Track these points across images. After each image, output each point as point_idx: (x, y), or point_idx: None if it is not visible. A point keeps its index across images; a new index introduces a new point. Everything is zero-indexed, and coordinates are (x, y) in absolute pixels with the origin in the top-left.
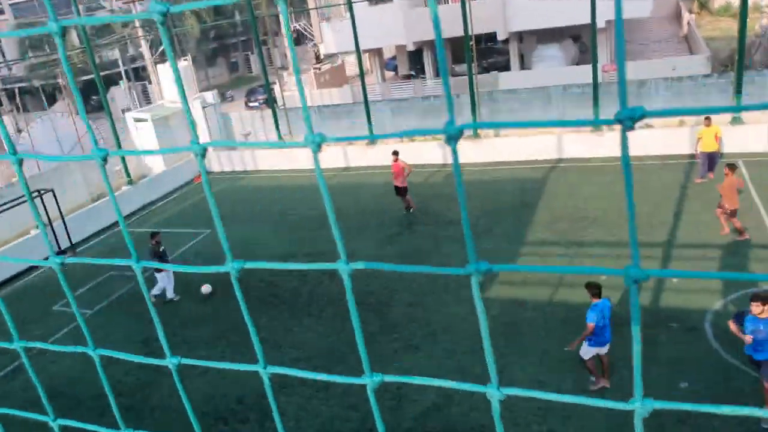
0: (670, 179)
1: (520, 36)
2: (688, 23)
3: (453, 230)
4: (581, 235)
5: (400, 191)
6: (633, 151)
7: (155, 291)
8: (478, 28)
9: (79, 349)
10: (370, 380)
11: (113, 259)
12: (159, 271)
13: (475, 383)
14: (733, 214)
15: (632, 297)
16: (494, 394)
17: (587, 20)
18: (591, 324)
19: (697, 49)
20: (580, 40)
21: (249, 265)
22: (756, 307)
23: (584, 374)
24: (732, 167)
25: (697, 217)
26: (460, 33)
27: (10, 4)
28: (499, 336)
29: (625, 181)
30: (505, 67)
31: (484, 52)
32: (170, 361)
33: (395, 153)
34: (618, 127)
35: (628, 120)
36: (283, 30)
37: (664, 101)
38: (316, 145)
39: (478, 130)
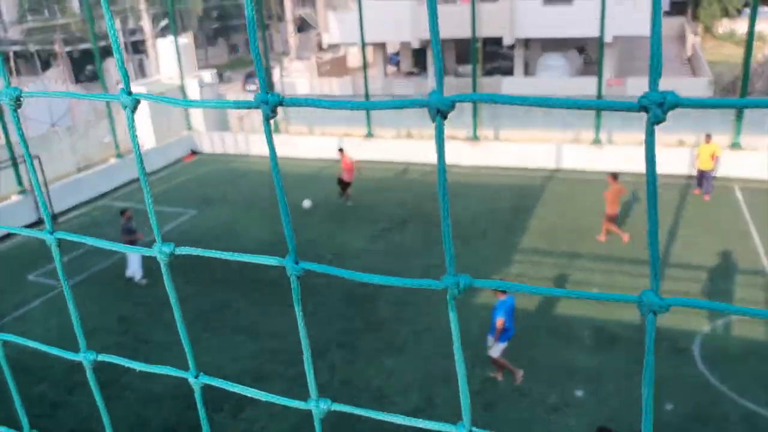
0: (666, 198)
1: (526, 43)
2: (693, 46)
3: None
4: (574, 246)
5: (345, 184)
6: (632, 168)
7: (129, 273)
8: (485, 31)
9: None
10: (315, 407)
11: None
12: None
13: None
14: (611, 219)
15: (648, 328)
16: None
17: (594, 33)
18: (501, 318)
19: (700, 72)
20: (585, 52)
21: (180, 251)
22: None
23: (571, 385)
24: (614, 175)
25: (691, 239)
26: (467, 35)
27: None
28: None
29: (648, 188)
30: (509, 72)
31: (489, 56)
32: (84, 357)
33: (341, 150)
34: (619, 141)
35: (656, 106)
36: (287, 16)
37: (667, 119)
38: (269, 107)
39: (478, 133)
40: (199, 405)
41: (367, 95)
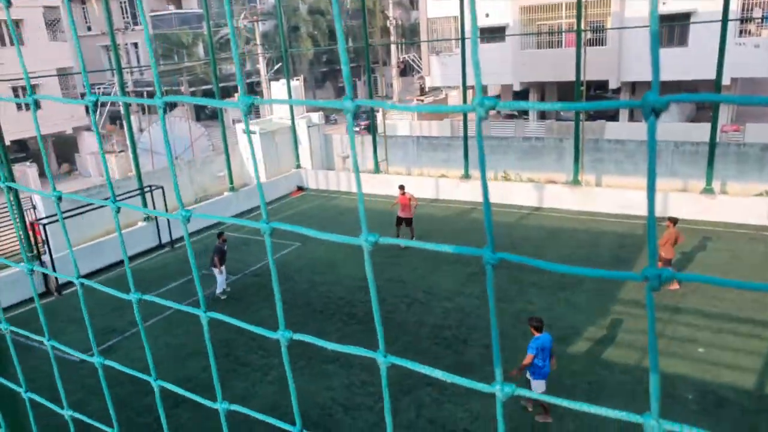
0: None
1: (633, 86)
2: None
3: (539, 277)
4: (678, 300)
5: (406, 221)
6: (748, 220)
7: (218, 290)
8: (591, 74)
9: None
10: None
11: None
12: (215, 267)
13: None
14: (665, 263)
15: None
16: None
17: (709, 75)
18: (531, 354)
19: None
20: None
21: (384, 240)
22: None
23: None
24: (673, 220)
25: None
26: (570, 78)
27: (151, 16)
28: (581, 394)
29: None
30: (613, 117)
31: (592, 100)
32: (281, 335)
33: (401, 187)
34: (733, 192)
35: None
36: (392, 61)
37: None
38: (246, 106)
39: (579, 177)
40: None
41: (465, 137)
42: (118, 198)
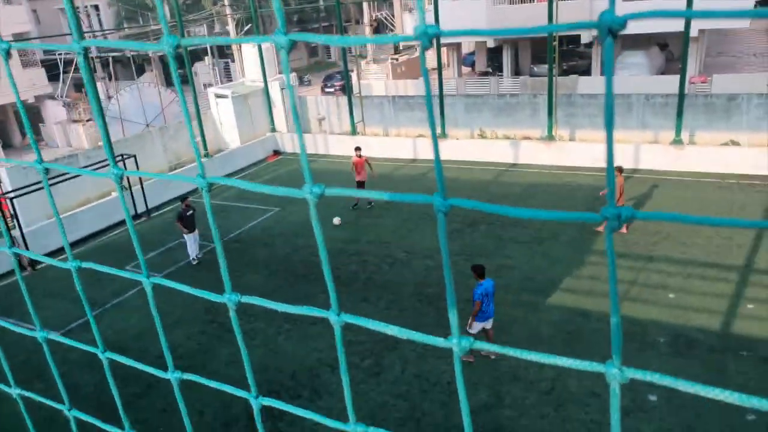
0: (749, 201)
1: None
2: None
3: (517, 231)
4: (651, 249)
5: (360, 185)
6: (716, 169)
7: (190, 255)
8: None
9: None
10: (456, 343)
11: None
12: (184, 232)
13: (528, 391)
14: None
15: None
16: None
17: (678, 28)
18: (478, 302)
19: None
20: (668, 49)
21: (331, 192)
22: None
23: (644, 390)
24: (619, 169)
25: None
26: (543, 34)
27: None
28: (560, 343)
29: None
30: (586, 71)
31: (565, 54)
32: (228, 298)
33: (357, 148)
34: (701, 142)
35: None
36: (365, 19)
37: (756, 118)
38: (172, 47)
39: (554, 132)
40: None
41: (441, 96)
42: (90, 168)
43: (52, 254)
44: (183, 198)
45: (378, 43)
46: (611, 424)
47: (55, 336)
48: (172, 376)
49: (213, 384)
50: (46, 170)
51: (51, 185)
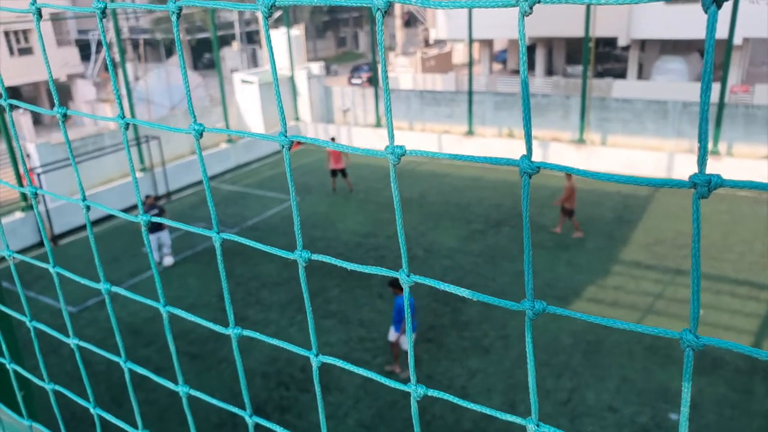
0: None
1: (643, 44)
2: None
3: (541, 237)
4: (680, 262)
5: (341, 172)
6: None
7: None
8: (599, 30)
9: (151, 302)
10: (414, 390)
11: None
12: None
13: (544, 400)
14: (571, 214)
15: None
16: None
17: (722, 35)
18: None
19: None
20: None
21: (318, 257)
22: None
23: (665, 408)
24: (569, 175)
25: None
26: (578, 33)
27: None
28: (578, 353)
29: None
30: (621, 75)
31: (601, 57)
32: (231, 331)
33: (333, 139)
34: (738, 155)
35: None
36: (396, 11)
37: None
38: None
39: (585, 135)
40: (315, 376)
41: (470, 92)
42: (114, 149)
43: (75, 230)
44: (147, 196)
45: (336, 5)
46: (682, 392)
47: (118, 289)
48: (233, 331)
49: (273, 341)
50: (65, 116)
51: (78, 163)
